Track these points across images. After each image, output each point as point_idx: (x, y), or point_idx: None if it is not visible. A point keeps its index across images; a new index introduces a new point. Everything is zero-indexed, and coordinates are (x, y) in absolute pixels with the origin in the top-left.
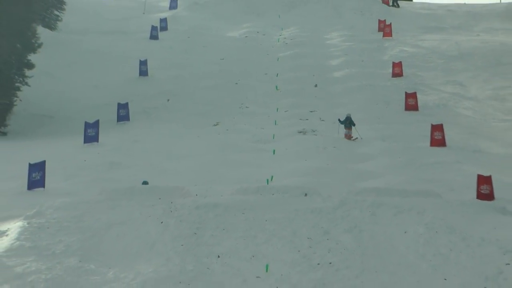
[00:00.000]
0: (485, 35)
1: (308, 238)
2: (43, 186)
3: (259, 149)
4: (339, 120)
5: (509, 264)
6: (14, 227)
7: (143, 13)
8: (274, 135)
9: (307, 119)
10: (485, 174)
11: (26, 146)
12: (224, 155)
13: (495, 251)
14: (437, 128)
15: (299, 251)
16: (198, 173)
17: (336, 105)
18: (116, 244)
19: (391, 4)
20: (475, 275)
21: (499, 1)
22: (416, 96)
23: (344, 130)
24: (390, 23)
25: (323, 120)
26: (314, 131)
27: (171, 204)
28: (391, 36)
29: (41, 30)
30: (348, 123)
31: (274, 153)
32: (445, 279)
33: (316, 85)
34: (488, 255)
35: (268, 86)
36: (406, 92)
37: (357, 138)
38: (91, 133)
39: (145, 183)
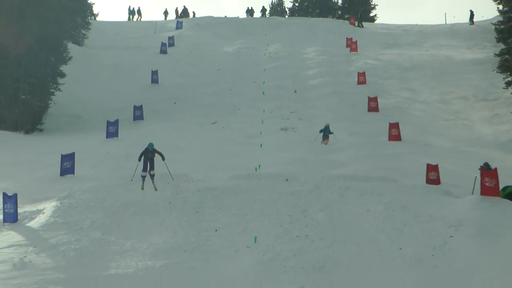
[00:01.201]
0: (433, 50)
1: (289, 215)
2: (73, 173)
3: (249, 143)
4: (320, 131)
5: (452, 236)
6: (49, 206)
7: (154, 32)
8: (261, 131)
9: (288, 119)
10: (433, 163)
11: (59, 140)
12: (220, 148)
13: (441, 226)
14: (394, 126)
15: (281, 226)
16: (199, 162)
17: (312, 107)
18: (132, 220)
19: (356, 25)
20: (424, 246)
21: (444, 22)
22: (377, 100)
23: (321, 137)
24: (356, 41)
25: (301, 120)
26: (294, 129)
27: (177, 187)
28: (357, 51)
29: (71, 46)
30: (327, 131)
31: (261, 146)
32: (400, 249)
33: (295, 91)
34: (435, 229)
35: (256, 92)
36: (368, 97)
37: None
38: (112, 129)
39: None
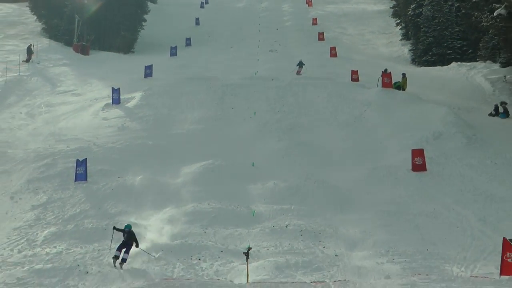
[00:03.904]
0: (355, 5)
1: (273, 99)
2: (151, 76)
3: (251, 58)
4: (296, 64)
5: (365, 111)
6: (137, 95)
7: None
8: (257, 52)
9: (273, 45)
10: (355, 69)
11: (143, 57)
12: (235, 61)
13: (359, 104)
14: (333, 48)
15: (269, 105)
16: (223, 69)
17: (286, 38)
18: (185, 102)
19: None
20: (350, 116)
21: None
22: (323, 34)
23: (297, 68)
24: (312, 0)
25: (280, 45)
26: (276, 50)
27: (210, 83)
28: (312, 6)
29: (149, 4)
30: (300, 64)
31: (258, 60)
32: (336, 117)
33: (277, 29)
34: (356, 106)
35: (255, 30)
36: (318, 32)
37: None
38: (173, 51)
39: (127, 226)
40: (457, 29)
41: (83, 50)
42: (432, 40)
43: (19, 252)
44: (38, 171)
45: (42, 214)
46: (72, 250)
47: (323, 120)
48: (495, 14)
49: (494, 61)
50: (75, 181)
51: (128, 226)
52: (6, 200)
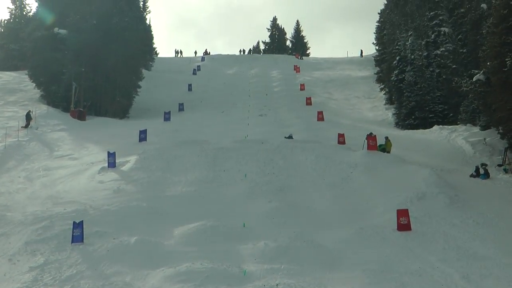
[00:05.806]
0: (340, 71)
1: (263, 162)
2: (146, 140)
3: (241, 123)
4: (285, 137)
5: (352, 172)
6: (132, 159)
7: (189, 63)
8: (248, 116)
9: (262, 109)
10: (341, 133)
11: (137, 122)
12: (226, 126)
13: (346, 166)
14: (320, 113)
15: (259, 167)
16: (214, 133)
17: (275, 103)
18: (178, 165)
19: (299, 58)
20: (337, 177)
21: (346, 56)
22: (311, 99)
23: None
24: (299, 66)
25: (269, 110)
26: (266, 115)
27: (202, 147)
28: (300, 72)
29: (144, 71)
30: (290, 137)
31: (248, 124)
32: (324, 179)
33: (266, 94)
34: (343, 168)
35: (245, 95)
36: (306, 97)
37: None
38: (167, 116)
39: None
40: (438, 94)
41: (80, 116)
42: (414, 104)
43: None
44: (36, 234)
45: (40, 275)
46: None
47: (311, 181)
48: (474, 79)
49: (474, 124)
50: (71, 242)
51: None
52: (4, 262)
